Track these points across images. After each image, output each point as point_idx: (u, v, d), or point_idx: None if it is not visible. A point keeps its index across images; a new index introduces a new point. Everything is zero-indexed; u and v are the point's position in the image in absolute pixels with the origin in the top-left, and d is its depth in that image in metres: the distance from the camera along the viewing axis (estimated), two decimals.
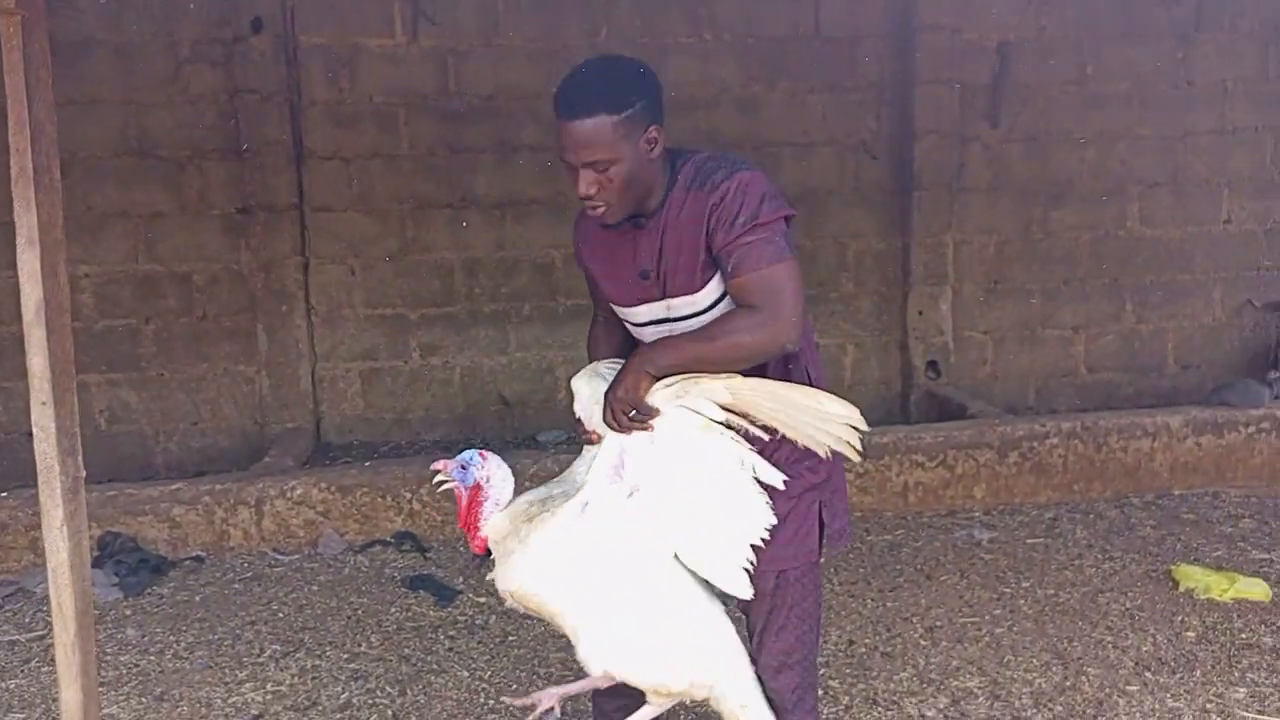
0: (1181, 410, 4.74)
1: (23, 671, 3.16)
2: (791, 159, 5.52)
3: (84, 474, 1.90)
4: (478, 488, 2.00)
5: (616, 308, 2.08)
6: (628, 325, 2.10)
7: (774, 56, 5.44)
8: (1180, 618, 3.35)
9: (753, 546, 1.92)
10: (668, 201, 1.91)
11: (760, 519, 1.90)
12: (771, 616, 2.02)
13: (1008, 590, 3.60)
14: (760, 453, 1.90)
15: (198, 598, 3.69)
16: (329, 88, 5.15)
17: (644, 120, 1.83)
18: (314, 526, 4.13)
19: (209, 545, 4.06)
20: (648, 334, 2.03)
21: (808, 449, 1.93)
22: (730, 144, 5.42)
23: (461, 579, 3.80)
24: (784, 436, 1.91)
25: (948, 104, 5.47)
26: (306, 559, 4.01)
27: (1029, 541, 4.07)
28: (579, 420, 2.07)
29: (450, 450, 5.21)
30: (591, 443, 2.03)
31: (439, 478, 2.04)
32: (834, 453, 1.93)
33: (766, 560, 1.95)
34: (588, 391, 2.05)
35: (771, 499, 1.91)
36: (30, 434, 5.26)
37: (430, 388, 5.44)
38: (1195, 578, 3.55)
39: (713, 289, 1.92)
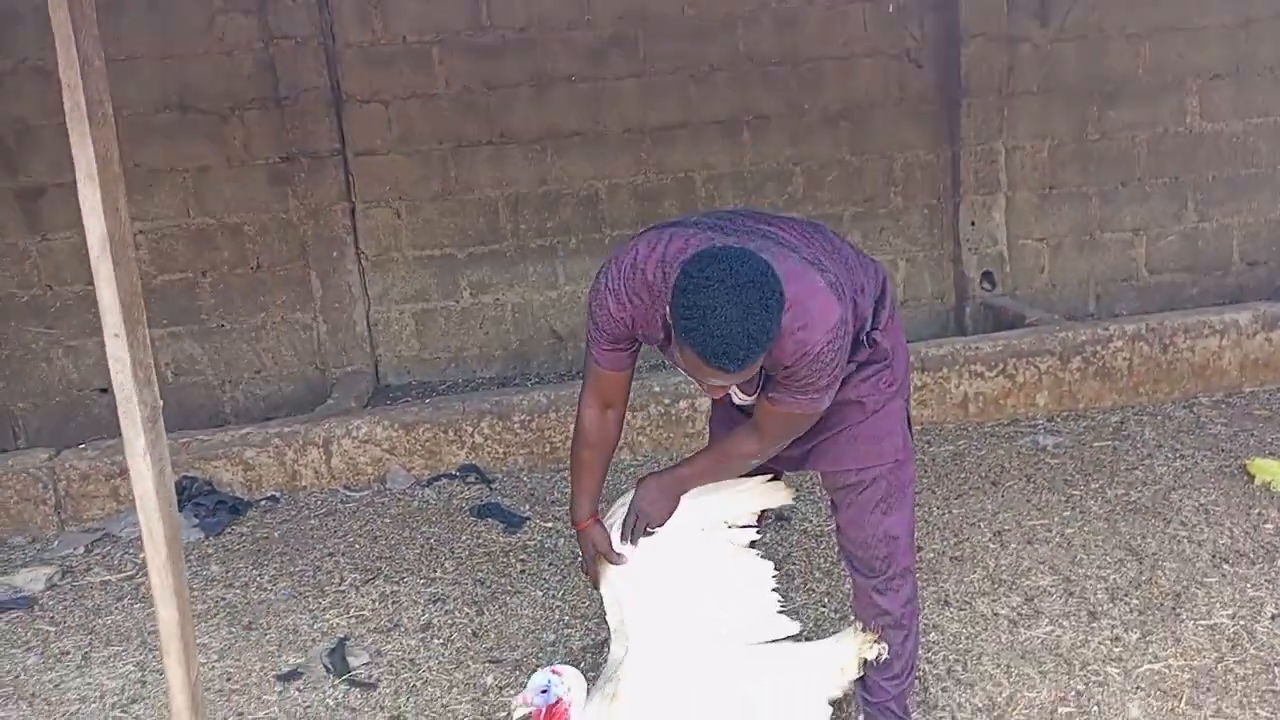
0: (1250, 306, 4.61)
1: (117, 609, 3.29)
2: (834, 73, 5.39)
3: (161, 404, 1.95)
4: (559, 701, 2.03)
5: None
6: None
7: None
8: (1257, 510, 3.30)
9: (839, 447, 2.03)
10: None
11: (764, 573, 2.09)
12: (850, 511, 2.08)
13: (1076, 493, 3.57)
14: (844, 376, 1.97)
15: (276, 534, 3.80)
16: (362, 29, 5.12)
17: None
18: (381, 464, 4.22)
19: (282, 486, 4.17)
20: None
21: (877, 364, 2.02)
22: (770, 62, 5.31)
23: (528, 505, 3.87)
24: (864, 360, 2.01)
25: (995, 4, 5.28)
26: (376, 494, 4.10)
27: (1096, 445, 4.01)
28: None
29: (506, 384, 5.28)
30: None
31: (520, 712, 2.04)
32: (898, 353, 2.06)
33: (851, 459, 2.04)
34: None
35: (852, 411, 2.01)
36: (102, 390, 5.37)
37: (482, 326, 5.48)
38: (1271, 471, 3.48)
39: None
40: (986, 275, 5.52)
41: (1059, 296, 5.69)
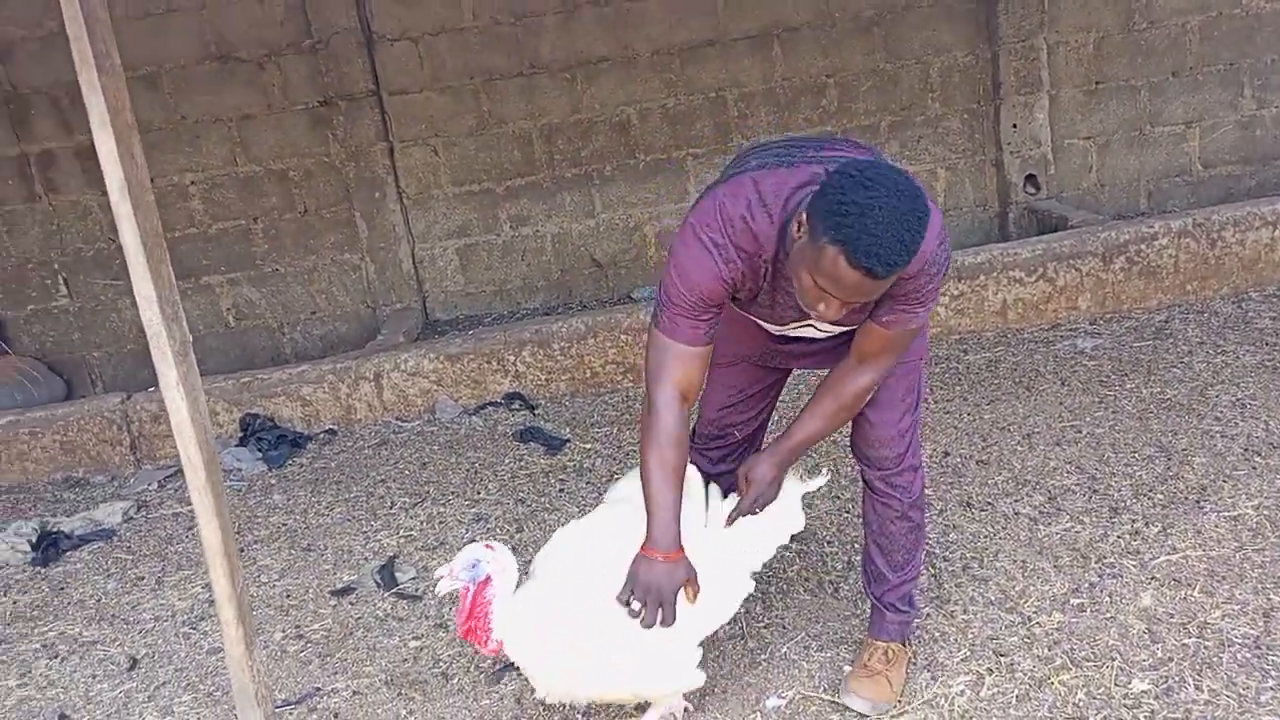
0: None
1: (188, 537, 3.53)
2: None
3: (190, 339, 2.08)
4: (486, 582, 1.92)
5: (761, 321, 2.06)
6: (762, 325, 2.08)
7: None
8: None
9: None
10: None
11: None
12: (876, 405, 2.09)
13: (1110, 393, 3.54)
14: None
15: (333, 464, 4.01)
16: None
17: None
18: (429, 395, 4.38)
19: (338, 419, 4.37)
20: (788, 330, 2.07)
21: None
22: None
23: (568, 429, 3.99)
24: None
25: None
26: (426, 424, 4.28)
27: (1135, 345, 3.95)
28: None
29: (549, 314, 5.39)
30: None
31: (443, 585, 1.94)
32: None
33: None
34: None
35: None
36: None
37: (524, 258, 5.57)
38: None
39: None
40: (1030, 179, 5.38)
41: (1108, 196, 5.53)
